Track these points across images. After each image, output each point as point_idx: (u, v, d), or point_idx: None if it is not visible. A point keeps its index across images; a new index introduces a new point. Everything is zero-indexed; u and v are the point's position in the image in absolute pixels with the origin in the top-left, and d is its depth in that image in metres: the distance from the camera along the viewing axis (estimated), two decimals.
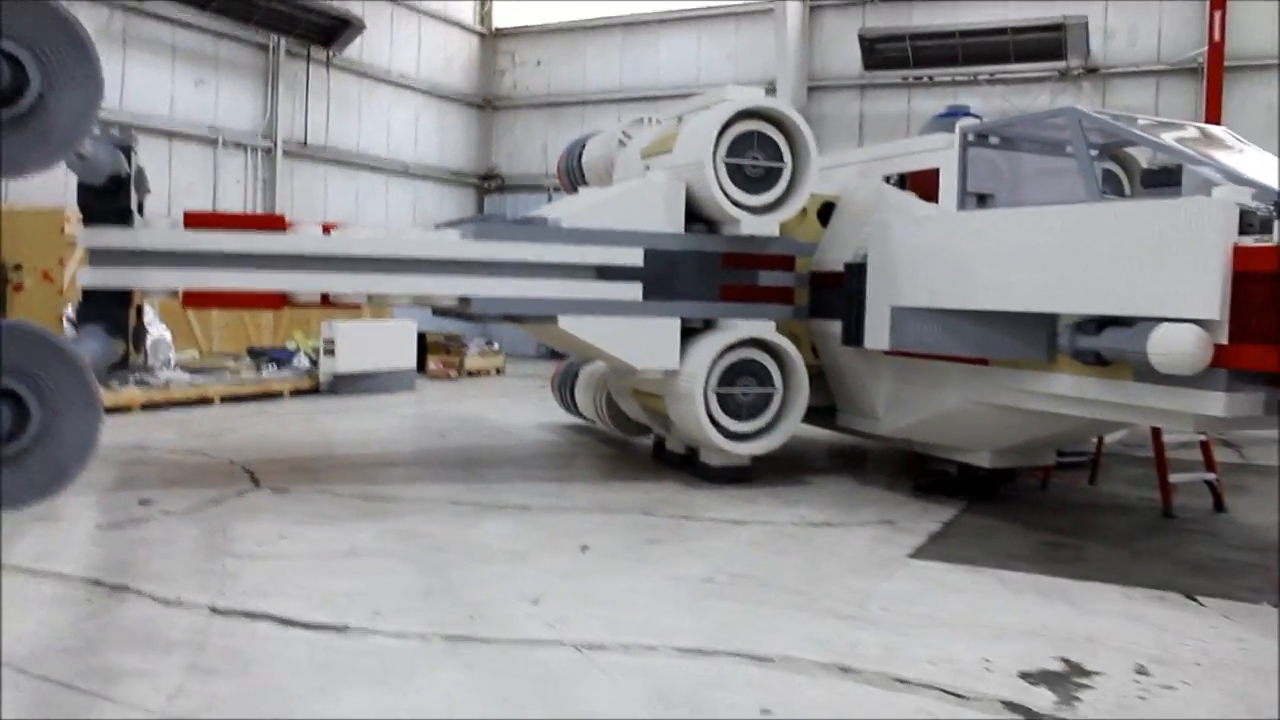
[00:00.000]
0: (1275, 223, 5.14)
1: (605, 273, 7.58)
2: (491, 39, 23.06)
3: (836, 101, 19.39)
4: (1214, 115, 16.29)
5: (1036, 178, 7.43)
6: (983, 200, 7.26)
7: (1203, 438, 7.70)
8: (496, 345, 18.05)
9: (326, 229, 7.42)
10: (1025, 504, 7.61)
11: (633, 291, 7.63)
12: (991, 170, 7.36)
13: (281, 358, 13.56)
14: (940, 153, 7.48)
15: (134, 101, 15.13)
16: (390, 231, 7.76)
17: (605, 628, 4.57)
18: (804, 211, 8.27)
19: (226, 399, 12.19)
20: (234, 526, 6.29)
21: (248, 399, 12.47)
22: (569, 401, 10.58)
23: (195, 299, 7.18)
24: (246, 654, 4.17)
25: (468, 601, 4.94)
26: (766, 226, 7.71)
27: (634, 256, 7.61)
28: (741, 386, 7.78)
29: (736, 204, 7.63)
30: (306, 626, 4.52)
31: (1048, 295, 5.92)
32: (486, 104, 23.01)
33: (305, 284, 7.18)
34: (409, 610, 4.78)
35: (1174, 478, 7.40)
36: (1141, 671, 4.18)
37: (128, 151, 6.77)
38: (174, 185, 15.78)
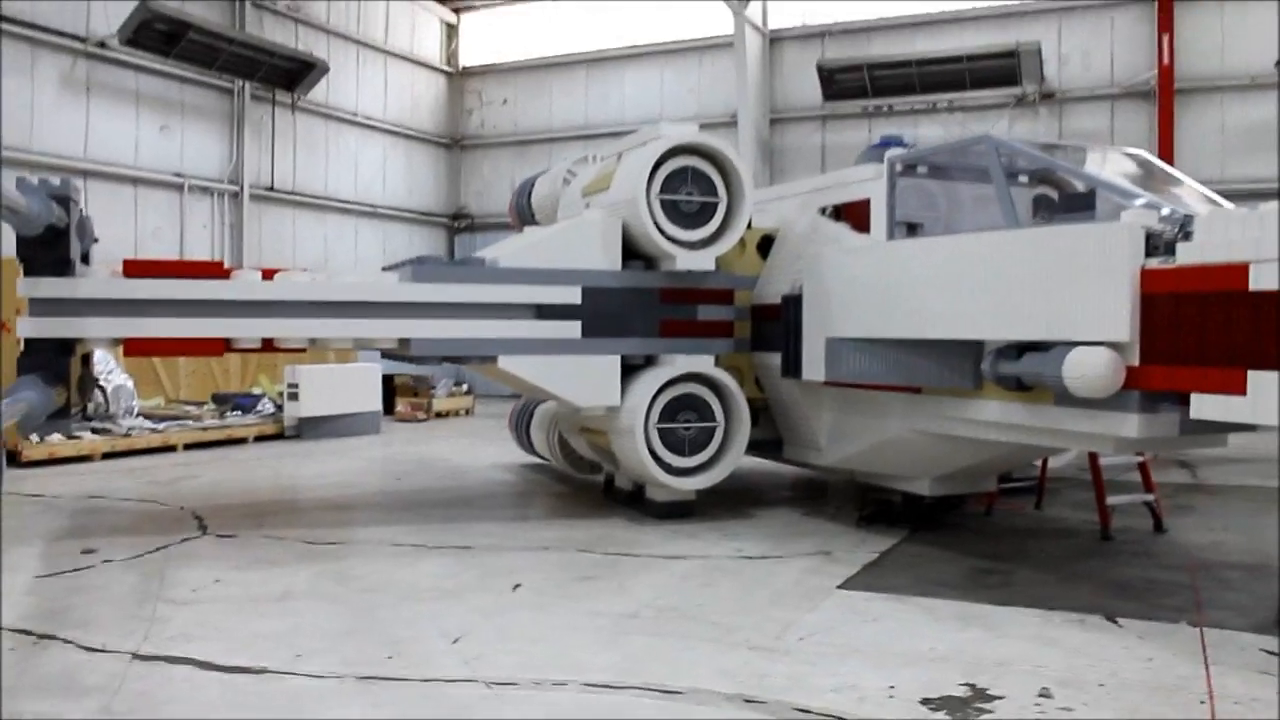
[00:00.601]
0: (1178, 244, 5.24)
1: (544, 311, 7.67)
2: (459, 78, 23.29)
3: (799, 133, 19.63)
4: (1165, 137, 16.59)
5: (968, 205, 7.55)
6: (913, 229, 7.37)
7: (1141, 459, 7.79)
8: (466, 386, 18.10)
9: (267, 275, 7.52)
10: (966, 531, 7.67)
11: (571, 329, 7.71)
12: (923, 199, 7.48)
13: (245, 403, 13.60)
14: (871, 183, 7.59)
15: (98, 148, 15.25)
16: (329, 275, 7.81)
17: (520, 664, 4.61)
18: (743, 245, 8.41)
19: (190, 446, 12.22)
20: (173, 573, 6.32)
21: (212, 445, 12.50)
22: (525, 440, 10.63)
23: (136, 346, 7.25)
24: (159, 698, 4.21)
25: (389, 641, 4.98)
26: (702, 261, 7.82)
27: (572, 295, 7.70)
28: (683, 421, 7.85)
29: (672, 239, 7.74)
30: (225, 670, 4.56)
31: (969, 322, 6.03)
32: (455, 143, 23.20)
33: (245, 330, 7.25)
34: (329, 651, 4.82)
35: (1113, 500, 7.48)
36: (1044, 694, 4.23)
37: (66, 202, 6.85)
38: (140, 231, 15.88)
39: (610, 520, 8.05)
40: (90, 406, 11.45)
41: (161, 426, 12.15)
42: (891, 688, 4.29)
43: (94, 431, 11.38)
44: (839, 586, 6.00)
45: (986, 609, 5.54)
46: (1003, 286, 5.81)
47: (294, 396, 13.17)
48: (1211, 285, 5.01)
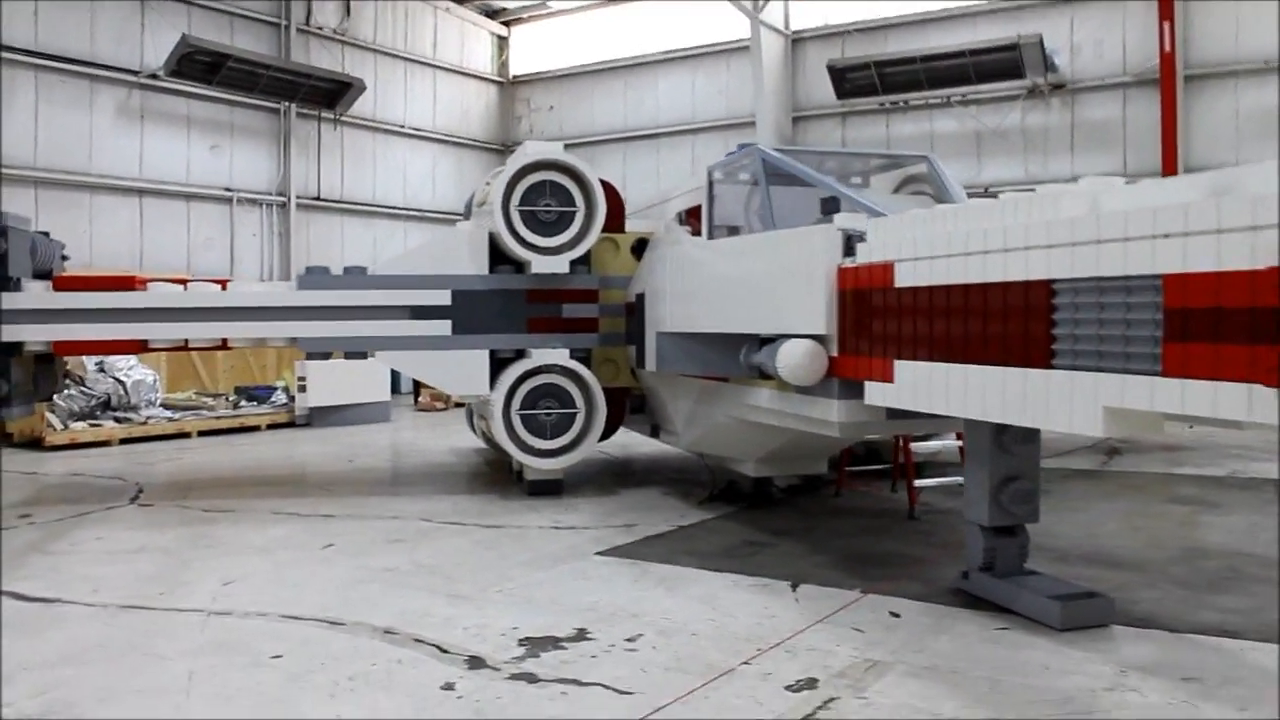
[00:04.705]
0: (858, 245, 5.81)
1: (418, 312, 8.70)
2: (510, 87, 24.57)
3: (820, 130, 20.07)
4: (1169, 124, 16.42)
5: (783, 208, 8.17)
6: (735, 232, 8.06)
7: (959, 444, 8.26)
8: None
9: (183, 284, 8.80)
10: (789, 509, 8.27)
11: (442, 328, 8.72)
12: (743, 203, 8.17)
13: (260, 394, 15.11)
14: (705, 190, 8.30)
15: (152, 169, 17.09)
16: (233, 286, 9.02)
17: (252, 602, 5.64)
18: (618, 247, 9.26)
19: (205, 433, 13.74)
20: (71, 533, 7.62)
21: (225, 433, 14.00)
22: (474, 427, 11.69)
23: (64, 348, 8.62)
24: None
25: (175, 582, 6.11)
26: (557, 265, 8.70)
27: (442, 297, 8.71)
28: (544, 408, 8.75)
29: (531, 246, 8.65)
30: (29, 599, 5.77)
31: (733, 318, 6.76)
32: (506, 148, 24.45)
33: (157, 333, 8.53)
34: (121, 589, 5.96)
35: (921, 482, 8.00)
36: (631, 639, 4.93)
37: (5, 232, 8.19)
38: (192, 241, 17.68)
39: (487, 496, 9.01)
40: (112, 397, 13.10)
41: (179, 416, 13.72)
42: (515, 628, 5.11)
43: (116, 420, 13.01)
44: (597, 553, 6.80)
45: (695, 574, 6.22)
46: (749, 285, 6.54)
47: (303, 388, 14.57)
48: (873, 282, 5.63)
